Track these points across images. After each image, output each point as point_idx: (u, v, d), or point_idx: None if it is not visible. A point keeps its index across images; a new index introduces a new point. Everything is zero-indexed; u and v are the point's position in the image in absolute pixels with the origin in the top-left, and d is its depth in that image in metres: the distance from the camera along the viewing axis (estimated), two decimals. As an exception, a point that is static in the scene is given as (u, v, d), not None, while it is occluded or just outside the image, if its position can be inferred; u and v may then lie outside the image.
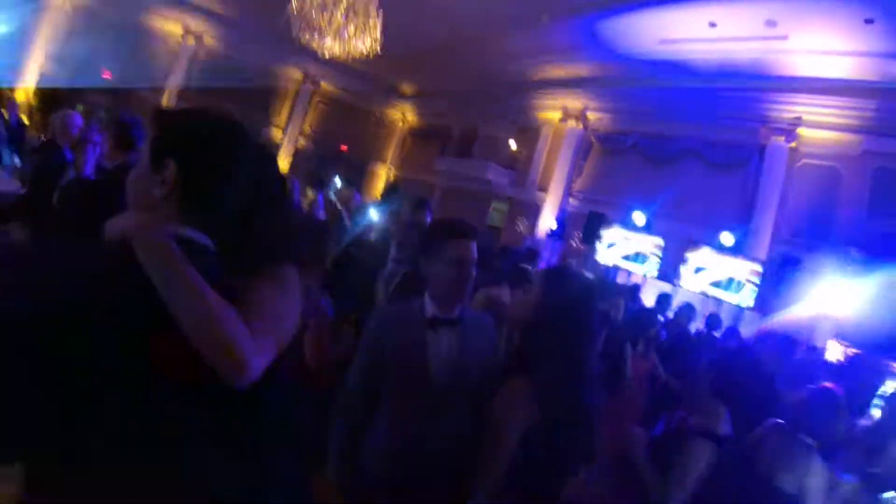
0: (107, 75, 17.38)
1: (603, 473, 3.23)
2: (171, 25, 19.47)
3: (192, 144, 1.53)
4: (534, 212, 17.47)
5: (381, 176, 24.59)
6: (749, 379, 3.35)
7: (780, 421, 3.17)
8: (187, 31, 19.60)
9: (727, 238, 12.28)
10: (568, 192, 16.90)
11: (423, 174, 21.84)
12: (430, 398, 2.51)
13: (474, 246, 2.63)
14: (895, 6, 10.25)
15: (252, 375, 1.37)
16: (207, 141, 1.55)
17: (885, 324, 10.45)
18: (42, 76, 17.24)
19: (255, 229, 1.66)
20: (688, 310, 8.08)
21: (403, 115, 24.96)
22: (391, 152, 24.94)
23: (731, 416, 3.04)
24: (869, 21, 10.72)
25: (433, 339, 2.58)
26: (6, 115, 11.71)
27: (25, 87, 16.70)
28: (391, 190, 12.95)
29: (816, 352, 8.83)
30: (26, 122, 13.63)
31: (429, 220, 4.34)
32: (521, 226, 17.45)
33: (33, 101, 16.36)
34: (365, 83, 22.79)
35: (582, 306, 2.54)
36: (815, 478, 2.92)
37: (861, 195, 12.11)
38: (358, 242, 5.42)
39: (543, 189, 17.49)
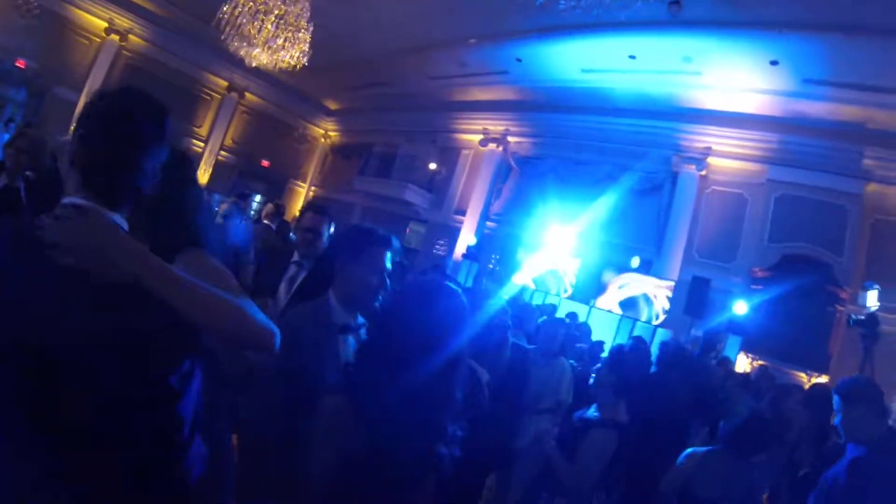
0: (21, 64, 16.50)
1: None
2: (94, 19, 18.44)
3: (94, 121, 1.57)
4: (452, 233, 17.57)
5: (301, 194, 24.30)
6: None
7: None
8: (112, 27, 18.70)
9: (635, 261, 12.87)
10: (486, 215, 17.15)
11: (342, 193, 21.66)
12: None
13: (389, 255, 2.63)
14: (797, 51, 11.18)
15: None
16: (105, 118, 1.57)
17: (785, 337, 11.29)
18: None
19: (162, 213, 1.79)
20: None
21: (326, 132, 24.72)
22: (312, 169, 24.69)
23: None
24: (774, 62, 11.67)
25: (343, 345, 2.53)
26: None
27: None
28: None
29: (728, 363, 9.28)
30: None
31: (327, 227, 4.37)
32: (439, 247, 17.58)
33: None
34: (290, 96, 22.51)
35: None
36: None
37: (764, 220, 13.12)
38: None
39: (462, 211, 17.60)
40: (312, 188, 24.45)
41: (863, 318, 9.75)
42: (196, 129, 20.96)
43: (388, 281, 2.60)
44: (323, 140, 24.77)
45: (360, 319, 2.63)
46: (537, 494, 4.44)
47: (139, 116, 1.58)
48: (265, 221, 8.52)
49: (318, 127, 24.60)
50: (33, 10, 16.66)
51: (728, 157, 13.86)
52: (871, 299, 10.74)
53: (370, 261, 2.57)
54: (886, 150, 12.74)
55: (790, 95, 12.61)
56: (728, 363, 9.26)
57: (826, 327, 12.02)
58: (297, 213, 17.86)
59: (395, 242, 2.72)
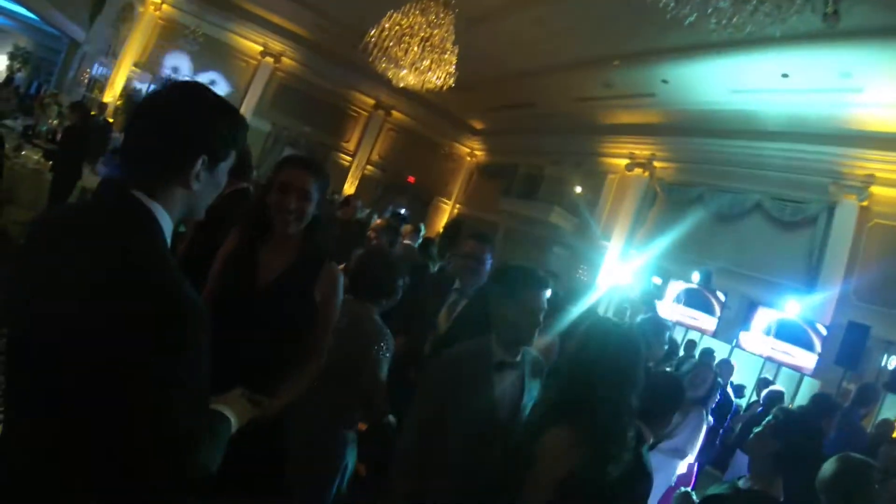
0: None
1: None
2: (251, 44, 20.40)
3: None
4: (595, 259, 17.11)
5: (445, 211, 24.66)
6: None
7: None
8: (266, 50, 20.45)
9: (793, 306, 11.78)
10: (631, 242, 16.51)
11: (486, 212, 21.79)
12: (495, 438, 2.67)
13: (545, 295, 2.81)
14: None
15: None
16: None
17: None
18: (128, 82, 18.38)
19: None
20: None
21: (472, 151, 25.10)
22: (457, 187, 25.02)
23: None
24: None
25: (499, 380, 2.71)
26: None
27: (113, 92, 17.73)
28: (454, 226, 12.93)
29: (888, 425, 8.15)
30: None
31: (488, 255, 4.44)
32: (581, 272, 17.13)
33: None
34: (437, 116, 23.12)
35: (625, 358, 2.53)
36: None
37: None
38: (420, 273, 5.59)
39: (607, 237, 17.16)
40: (457, 206, 24.76)
41: None
42: (344, 144, 22.23)
43: (541, 320, 2.76)
44: (469, 158, 25.13)
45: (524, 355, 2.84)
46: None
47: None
48: (406, 241, 8.56)
49: (464, 146, 25.03)
50: (198, 37, 19.00)
51: (894, 185, 12.28)
52: None
53: (526, 302, 2.72)
54: None
55: None
56: (888, 425, 8.11)
57: None
58: (441, 230, 18.15)
59: (550, 284, 2.98)
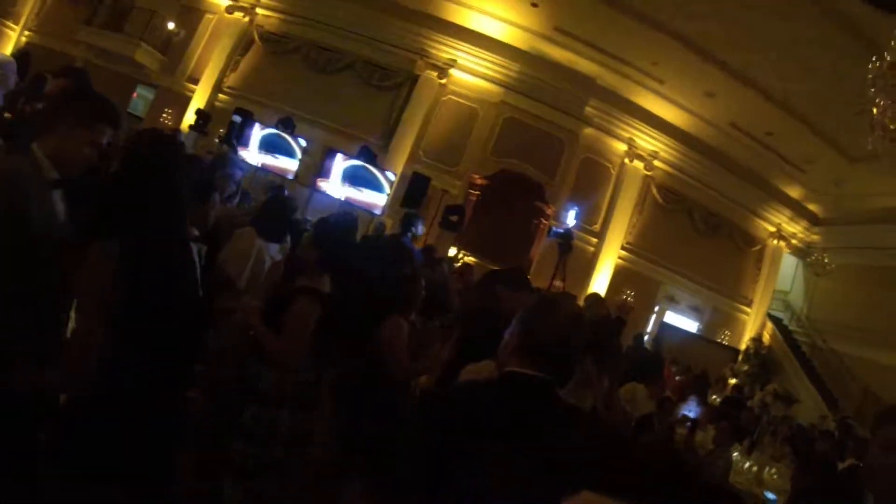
0: None
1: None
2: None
3: None
4: (182, 103, 16.00)
5: (10, 37, 20.68)
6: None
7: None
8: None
9: (363, 149, 12.63)
10: (219, 87, 15.89)
11: (63, 43, 18.76)
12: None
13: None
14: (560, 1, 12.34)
15: None
16: None
17: (494, 239, 13.19)
18: None
19: None
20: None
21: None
22: (27, 9, 21.07)
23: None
24: (534, 5, 12.62)
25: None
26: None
27: None
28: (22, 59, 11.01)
29: (433, 250, 9.21)
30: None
31: None
32: (166, 116, 16.02)
33: None
34: None
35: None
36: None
37: (491, 135, 14.40)
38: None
39: (195, 80, 16.09)
40: (26, 32, 21.03)
41: (561, 231, 10.79)
42: None
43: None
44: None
45: None
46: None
47: None
48: None
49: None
50: None
51: (470, 73, 14.49)
52: (571, 218, 13.19)
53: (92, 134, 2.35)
54: (605, 105, 14.41)
55: (540, 36, 13.59)
56: (433, 250, 9.16)
57: (530, 235, 13.77)
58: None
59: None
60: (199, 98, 15.65)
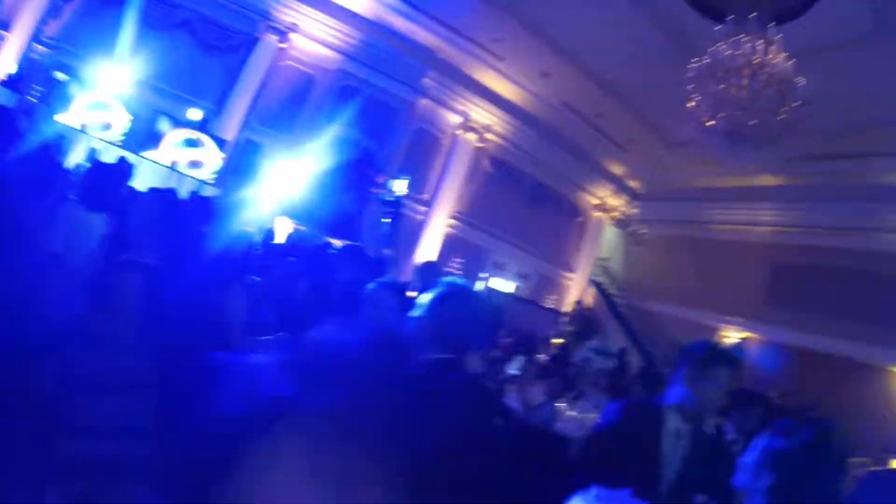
0: None
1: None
2: None
3: None
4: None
5: None
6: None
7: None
8: None
9: (194, 113, 12.21)
10: (37, 38, 14.54)
11: None
12: None
13: None
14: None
15: None
16: None
17: (326, 207, 12.43)
18: None
19: None
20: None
21: None
22: None
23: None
24: None
25: None
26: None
27: None
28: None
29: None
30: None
31: None
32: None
33: None
34: None
35: None
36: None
37: (326, 103, 14.12)
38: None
39: (5, 25, 14.52)
40: None
41: (391, 199, 11.04)
42: None
43: None
44: None
45: None
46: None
47: None
48: None
49: None
50: None
51: (311, 38, 14.17)
52: (400, 186, 13.17)
53: None
54: (443, 78, 14.67)
55: (384, 4, 13.50)
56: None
57: (362, 203, 13.61)
58: None
59: None
60: (10, 49, 14.14)
